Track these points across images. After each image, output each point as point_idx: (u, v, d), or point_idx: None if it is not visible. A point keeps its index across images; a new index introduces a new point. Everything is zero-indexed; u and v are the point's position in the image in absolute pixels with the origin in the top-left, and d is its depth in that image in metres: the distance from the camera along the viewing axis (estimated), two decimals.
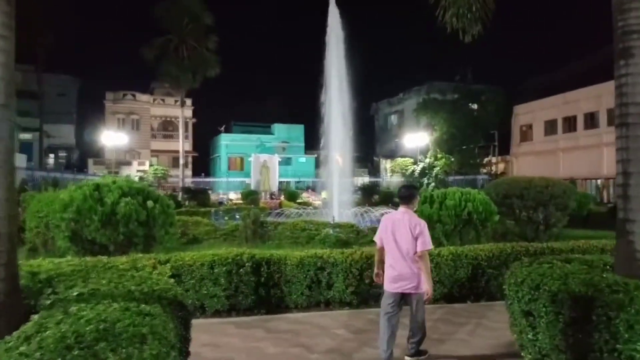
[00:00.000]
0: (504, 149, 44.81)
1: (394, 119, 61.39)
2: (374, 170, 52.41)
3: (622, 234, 4.57)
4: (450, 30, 6.67)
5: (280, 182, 44.27)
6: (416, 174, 47.02)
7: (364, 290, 7.93)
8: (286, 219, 18.80)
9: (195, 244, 14.14)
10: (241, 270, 7.36)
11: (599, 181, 34.84)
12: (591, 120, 36.47)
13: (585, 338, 3.71)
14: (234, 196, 38.71)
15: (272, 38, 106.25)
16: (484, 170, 45.66)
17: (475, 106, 47.69)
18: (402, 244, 4.99)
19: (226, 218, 18.97)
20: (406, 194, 5.28)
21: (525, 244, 8.89)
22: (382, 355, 5.06)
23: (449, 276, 8.26)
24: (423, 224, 5.07)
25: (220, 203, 34.10)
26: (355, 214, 20.10)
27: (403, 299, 5.14)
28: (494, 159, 45.89)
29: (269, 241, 15.54)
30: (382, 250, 5.24)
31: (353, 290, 7.83)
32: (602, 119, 35.37)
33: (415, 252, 4.94)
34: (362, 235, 15.16)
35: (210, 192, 40.01)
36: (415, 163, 47.74)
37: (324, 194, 32.70)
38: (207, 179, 47.59)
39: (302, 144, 54.11)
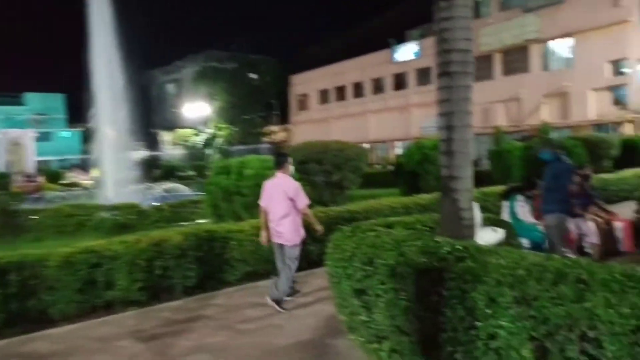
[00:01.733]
0: (285, 118, 46.23)
1: (170, 88, 58.15)
2: (153, 143, 48.97)
3: (446, 193, 4.22)
4: None
5: (38, 162, 37.94)
6: (199, 145, 45.46)
7: (156, 284, 6.57)
8: (47, 204, 15.78)
9: None
10: None
11: (366, 145, 38.42)
12: (358, 90, 39.78)
13: (434, 316, 3.19)
14: None
15: None
16: (266, 139, 46.52)
17: (254, 76, 47.99)
18: (278, 204, 5.77)
19: None
20: (277, 161, 6.07)
21: (324, 208, 8.57)
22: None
23: (252, 253, 7.42)
24: (296, 185, 5.83)
25: None
26: (136, 192, 18.00)
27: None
28: (274, 128, 47.03)
29: (26, 234, 12.69)
30: (265, 212, 5.95)
31: (141, 286, 6.41)
32: (367, 88, 38.88)
33: (287, 215, 5.74)
34: (146, 216, 13.43)
35: None
36: (197, 134, 46.04)
37: (95, 172, 29.02)
38: None
39: (63, 116, 47.16)
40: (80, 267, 5.98)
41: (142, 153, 40.58)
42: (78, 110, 37.50)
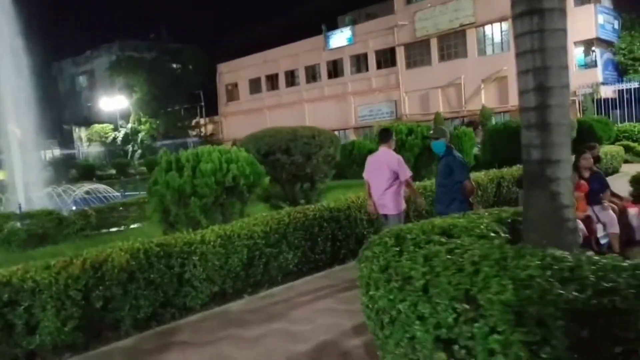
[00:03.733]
0: (212, 110, 43.74)
1: (82, 80, 53.57)
2: (67, 141, 44.68)
3: (539, 183, 2.99)
4: None
5: None
6: (118, 141, 42.01)
7: (96, 319, 4.93)
8: None
9: None
10: None
11: None
12: (291, 78, 38.27)
13: None
14: None
15: None
16: (194, 133, 43.89)
17: (176, 65, 45.01)
18: (380, 177, 6.03)
19: None
20: (382, 136, 6.30)
21: (300, 208, 7.20)
22: None
23: (219, 268, 5.91)
24: (398, 158, 6.03)
25: None
26: (51, 196, 15.66)
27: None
28: (202, 121, 44.42)
29: None
30: (368, 184, 6.26)
31: (75, 325, 4.74)
32: (301, 76, 37.46)
33: (389, 187, 6.00)
34: (68, 224, 11.36)
35: None
36: (116, 129, 42.48)
37: (1, 175, 25.66)
38: None
39: None
40: None
41: (55, 152, 36.80)
42: None
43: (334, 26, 36.31)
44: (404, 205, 6.12)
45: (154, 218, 6.61)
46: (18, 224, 11.03)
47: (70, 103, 52.00)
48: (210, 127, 44.82)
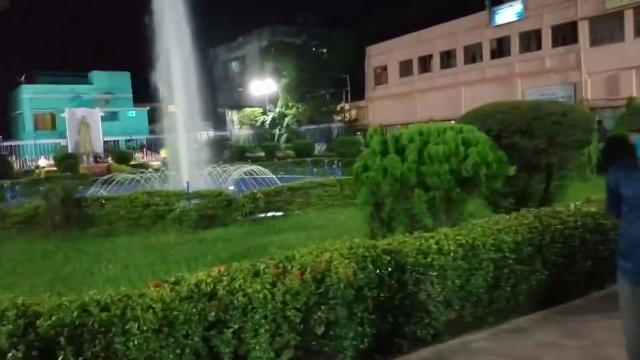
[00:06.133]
0: (358, 95, 42.68)
1: (235, 65, 55.96)
2: (219, 123, 46.88)
3: None
4: None
5: (105, 142, 36.62)
6: (267, 124, 42.93)
7: (313, 350, 3.67)
8: (119, 189, 13.69)
9: None
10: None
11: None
12: (447, 59, 35.64)
13: None
14: (45, 162, 30.61)
15: None
16: (338, 118, 43.32)
17: (323, 50, 44.67)
18: None
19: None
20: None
21: (551, 211, 5.31)
22: None
23: (459, 289, 4.35)
24: None
25: (28, 172, 27.22)
26: (212, 175, 15.57)
27: None
28: (347, 106, 43.62)
29: (94, 228, 10.39)
30: None
31: (291, 357, 3.51)
32: (459, 57, 34.64)
33: None
34: (237, 207, 10.76)
35: (13, 158, 31.62)
36: (264, 113, 43.45)
37: (163, 153, 27.33)
38: (8, 143, 37.31)
39: (130, 95, 45.52)
40: (191, 328, 3.12)
41: (209, 133, 38.54)
42: (140, 89, 35.84)
43: (497, 1, 32.86)
44: None
45: (364, 211, 5.22)
46: (188, 204, 10.69)
47: (223, 88, 54.67)
48: (353, 112, 43.87)
